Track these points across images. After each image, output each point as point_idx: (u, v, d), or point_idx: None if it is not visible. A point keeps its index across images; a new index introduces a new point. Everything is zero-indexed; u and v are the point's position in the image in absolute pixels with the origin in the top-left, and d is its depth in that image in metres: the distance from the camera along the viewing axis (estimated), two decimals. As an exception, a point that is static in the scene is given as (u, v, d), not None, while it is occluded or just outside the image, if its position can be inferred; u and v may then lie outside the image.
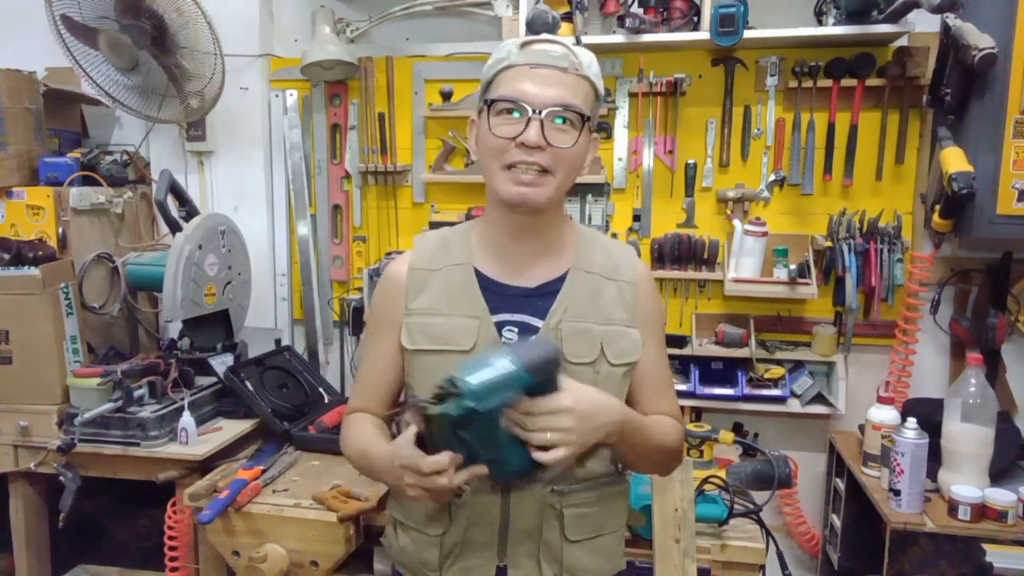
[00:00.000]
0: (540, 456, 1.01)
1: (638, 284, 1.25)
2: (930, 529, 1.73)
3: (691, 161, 2.35)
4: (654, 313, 1.29)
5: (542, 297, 1.21)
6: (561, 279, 1.22)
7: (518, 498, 1.18)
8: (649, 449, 1.22)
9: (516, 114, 1.12)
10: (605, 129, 2.37)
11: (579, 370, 1.18)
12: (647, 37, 2.15)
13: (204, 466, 2.01)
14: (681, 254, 2.30)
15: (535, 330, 1.20)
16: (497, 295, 1.22)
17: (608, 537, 1.26)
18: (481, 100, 1.19)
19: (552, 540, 1.19)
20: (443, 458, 0.99)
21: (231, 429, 2.15)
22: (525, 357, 1.00)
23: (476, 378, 0.97)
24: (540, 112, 1.11)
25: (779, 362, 2.28)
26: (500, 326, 1.20)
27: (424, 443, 1.03)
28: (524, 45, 1.15)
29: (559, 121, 1.12)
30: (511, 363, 0.99)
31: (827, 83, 2.21)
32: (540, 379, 1.01)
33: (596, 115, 1.20)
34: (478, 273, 1.23)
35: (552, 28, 2.09)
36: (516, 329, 1.20)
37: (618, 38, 2.18)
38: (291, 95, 2.56)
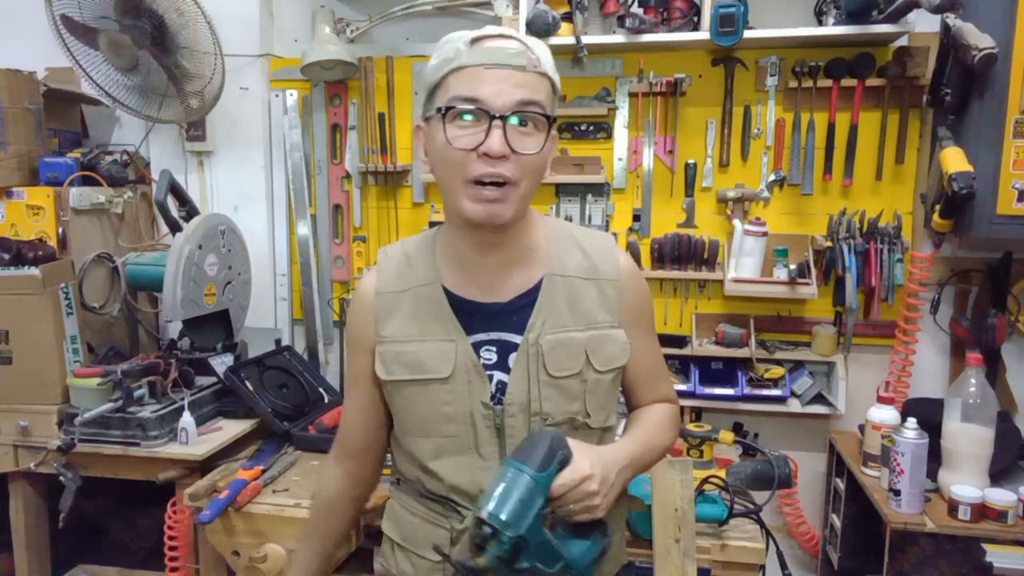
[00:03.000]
0: (583, 518, 1.04)
1: (621, 280, 1.18)
2: (930, 529, 1.73)
3: (691, 161, 2.35)
4: (642, 306, 1.24)
5: (518, 311, 1.14)
6: (536, 289, 1.15)
7: None
8: (654, 461, 1.26)
9: (468, 117, 1.02)
10: (605, 129, 2.37)
11: (565, 383, 1.14)
12: (647, 37, 2.15)
13: (204, 466, 2.01)
14: (681, 254, 2.30)
15: (515, 347, 1.13)
16: (470, 314, 1.14)
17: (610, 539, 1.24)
18: (430, 106, 1.07)
19: None
20: None
21: (231, 429, 2.15)
22: (530, 458, 1.00)
23: (502, 508, 0.96)
24: (502, 117, 1.00)
25: (779, 362, 2.28)
26: (477, 347, 1.14)
27: None
28: (475, 41, 1.03)
29: (521, 124, 1.02)
30: (523, 472, 0.98)
31: (827, 83, 2.21)
32: (555, 468, 1.01)
33: (555, 112, 1.10)
34: (447, 292, 1.15)
35: (552, 28, 2.10)
36: (494, 348, 1.14)
37: (618, 38, 2.18)
38: (291, 95, 2.56)
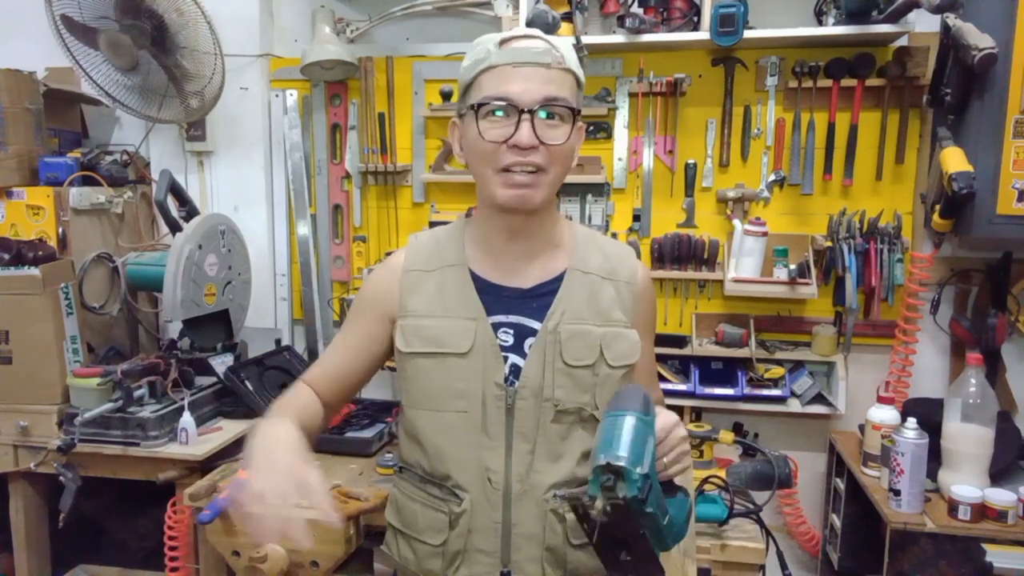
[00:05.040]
0: (676, 470, 1.05)
1: (636, 285, 1.24)
2: (930, 529, 1.73)
3: (691, 161, 2.35)
4: (651, 314, 1.31)
5: (538, 298, 1.20)
6: (557, 280, 1.21)
7: (519, 503, 1.17)
8: None
9: (500, 113, 1.10)
10: (605, 129, 2.37)
11: (578, 373, 1.17)
12: (647, 37, 2.15)
13: (204, 466, 2.01)
14: (681, 254, 2.30)
15: (532, 332, 1.19)
16: (491, 296, 1.20)
17: None
18: (464, 103, 1.16)
19: (556, 545, 1.18)
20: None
21: (231, 429, 2.15)
22: (632, 405, 0.99)
23: (621, 447, 0.94)
24: (530, 111, 1.09)
25: (779, 362, 2.28)
26: (495, 328, 1.19)
27: (604, 540, 1.00)
28: (503, 43, 1.12)
29: (548, 117, 1.11)
30: (629, 415, 0.98)
31: (827, 83, 2.21)
32: (654, 414, 1.02)
33: (580, 104, 1.19)
34: (472, 274, 1.22)
35: (552, 28, 2.10)
36: (512, 331, 1.19)
37: (618, 38, 2.18)
38: (291, 95, 2.56)
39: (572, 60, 1.15)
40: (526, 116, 1.09)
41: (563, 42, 1.15)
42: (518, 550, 1.18)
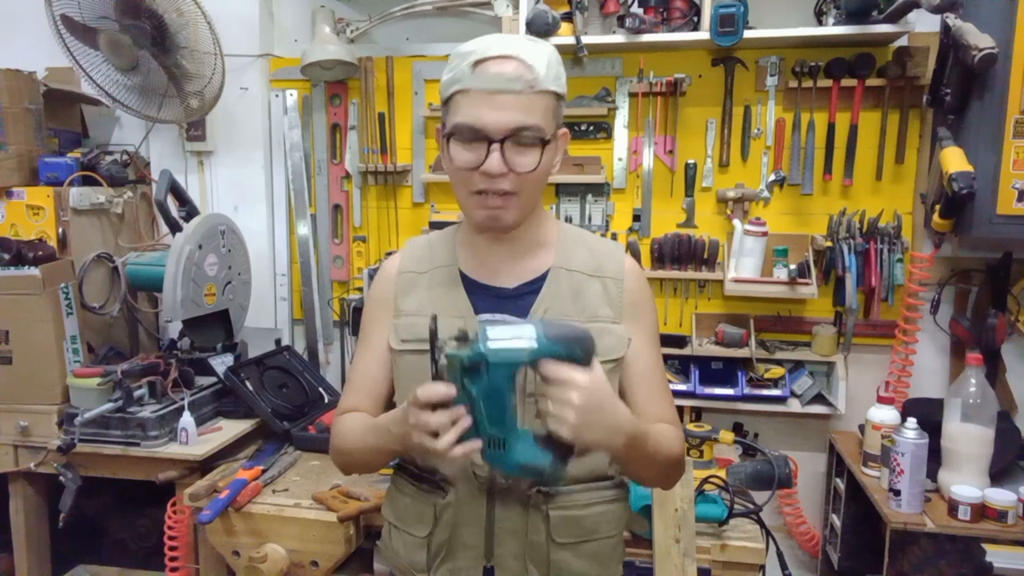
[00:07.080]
0: (549, 424, 1.00)
1: (625, 279, 1.24)
2: (930, 529, 1.73)
3: (691, 161, 2.35)
4: (643, 307, 1.26)
5: (522, 297, 1.21)
6: (541, 279, 1.22)
7: (503, 498, 1.18)
8: (654, 461, 1.18)
9: (473, 143, 1.12)
10: (605, 129, 2.37)
11: None
12: (647, 37, 2.15)
13: (204, 466, 2.02)
14: (681, 254, 2.30)
15: None
16: (479, 295, 1.22)
17: (601, 543, 1.23)
18: (443, 118, 1.18)
19: (538, 542, 1.18)
20: (438, 388, 0.99)
21: (231, 429, 2.15)
22: (549, 327, 1.00)
23: (493, 330, 0.98)
24: (500, 140, 1.09)
25: (779, 362, 2.28)
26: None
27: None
28: (477, 64, 1.11)
29: (520, 143, 1.11)
30: (533, 327, 1.00)
31: (827, 83, 2.21)
32: (561, 353, 0.99)
33: (560, 119, 1.18)
34: (462, 275, 1.24)
35: (552, 28, 2.10)
36: None
37: (618, 38, 2.18)
38: (291, 95, 2.56)
39: (549, 77, 1.12)
40: (495, 146, 1.09)
41: (541, 57, 1.12)
42: (501, 544, 1.19)
